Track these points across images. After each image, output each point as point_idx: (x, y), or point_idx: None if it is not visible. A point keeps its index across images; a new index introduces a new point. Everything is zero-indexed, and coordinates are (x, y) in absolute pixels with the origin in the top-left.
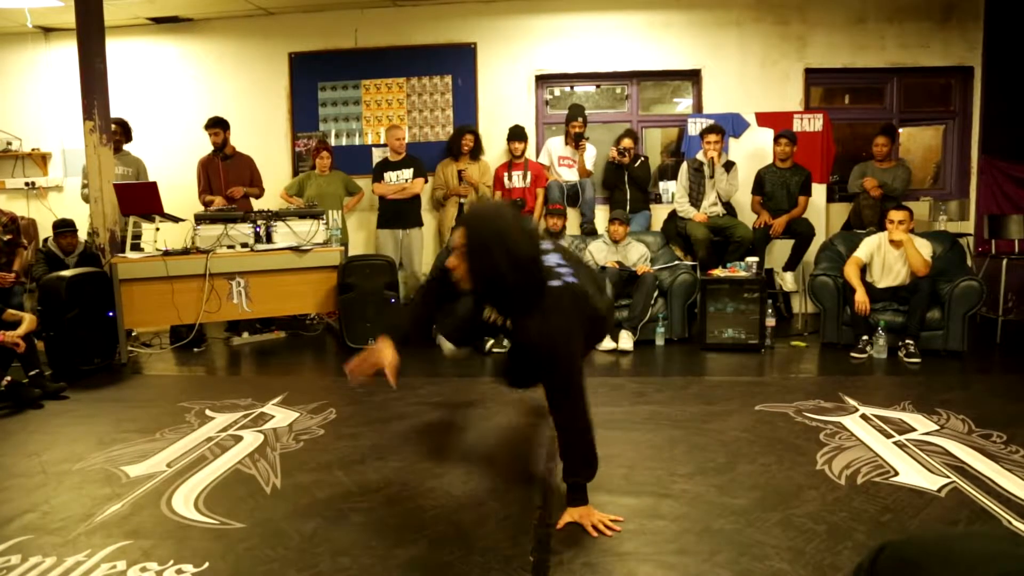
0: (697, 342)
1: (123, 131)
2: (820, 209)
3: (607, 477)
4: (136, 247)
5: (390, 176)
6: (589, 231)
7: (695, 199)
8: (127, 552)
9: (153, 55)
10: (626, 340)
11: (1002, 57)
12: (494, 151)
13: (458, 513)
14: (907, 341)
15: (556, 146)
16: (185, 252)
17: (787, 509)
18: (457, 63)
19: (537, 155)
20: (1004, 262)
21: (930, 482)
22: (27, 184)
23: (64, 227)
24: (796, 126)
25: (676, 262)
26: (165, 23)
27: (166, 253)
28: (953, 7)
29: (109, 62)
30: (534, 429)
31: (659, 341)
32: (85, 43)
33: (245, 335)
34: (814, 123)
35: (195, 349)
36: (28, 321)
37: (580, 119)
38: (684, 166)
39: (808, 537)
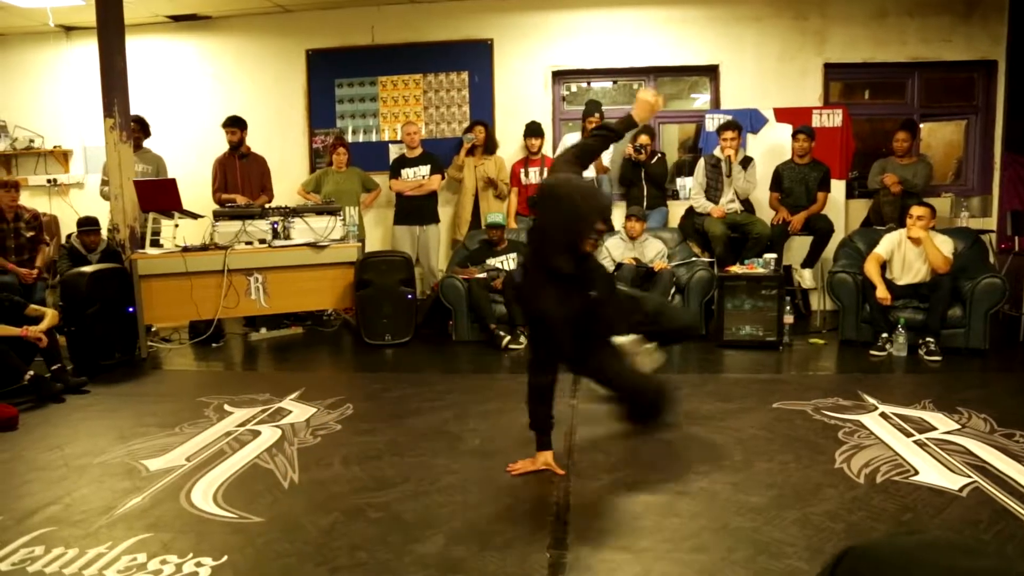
0: (714, 339)
1: (141, 128)
2: (839, 205)
3: (624, 474)
4: (155, 243)
5: (407, 173)
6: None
7: (712, 196)
8: (147, 545)
9: (172, 53)
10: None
11: None
12: (511, 147)
13: (474, 509)
14: (927, 339)
15: (573, 142)
16: (204, 248)
17: (805, 507)
18: (473, 59)
19: (554, 151)
20: None
21: (951, 482)
22: (49, 181)
23: (87, 225)
24: (815, 122)
25: (693, 259)
26: (184, 21)
27: (185, 249)
28: (976, 1)
29: (129, 60)
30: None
31: None
32: (105, 41)
33: (263, 331)
34: (833, 118)
35: (213, 344)
36: (50, 316)
37: (597, 115)
38: (701, 162)
39: (826, 536)
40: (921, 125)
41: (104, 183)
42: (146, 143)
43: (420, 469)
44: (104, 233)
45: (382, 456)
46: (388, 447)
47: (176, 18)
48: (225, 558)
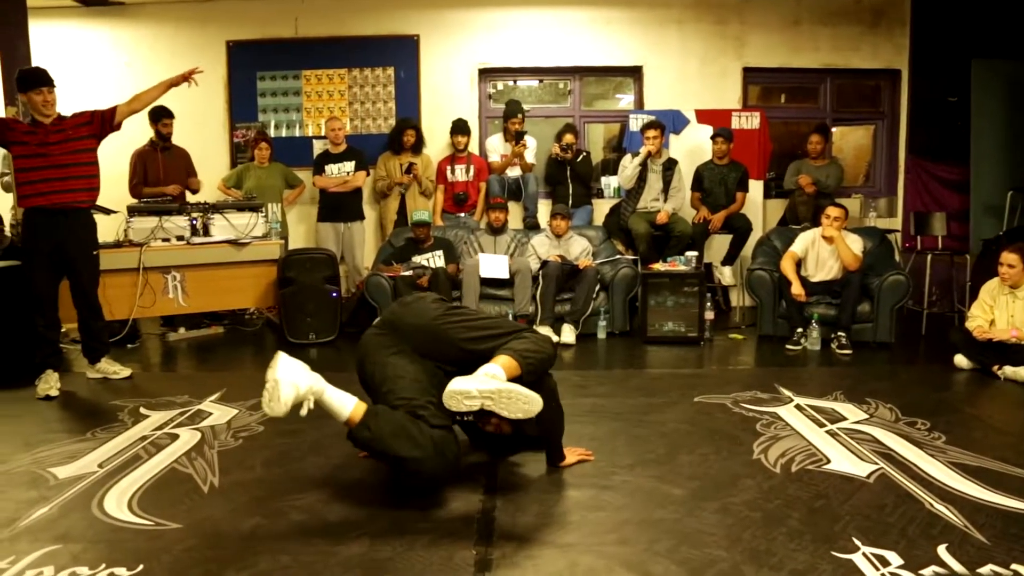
0: (638, 335)
1: None
2: (757, 205)
3: (549, 469)
4: None
5: (331, 169)
6: (532, 225)
7: (637, 193)
8: (55, 557)
9: (82, 40)
10: (568, 334)
11: (927, 61)
12: (437, 144)
13: (399, 508)
14: (839, 333)
15: (497, 144)
16: (117, 245)
17: (725, 498)
18: (399, 55)
19: (480, 149)
20: (928, 257)
21: (859, 469)
22: None
23: None
24: (734, 123)
25: (617, 256)
26: (94, 6)
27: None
28: (882, 12)
29: (33, 46)
30: None
31: (601, 335)
32: (7, 25)
33: (182, 330)
34: (751, 121)
35: (128, 346)
36: None
37: (520, 115)
38: (627, 156)
39: (745, 524)
40: (833, 129)
41: (5, 174)
42: None
43: (344, 470)
44: (7, 230)
45: (305, 457)
46: (311, 448)
47: (86, 2)
48: (140, 567)
